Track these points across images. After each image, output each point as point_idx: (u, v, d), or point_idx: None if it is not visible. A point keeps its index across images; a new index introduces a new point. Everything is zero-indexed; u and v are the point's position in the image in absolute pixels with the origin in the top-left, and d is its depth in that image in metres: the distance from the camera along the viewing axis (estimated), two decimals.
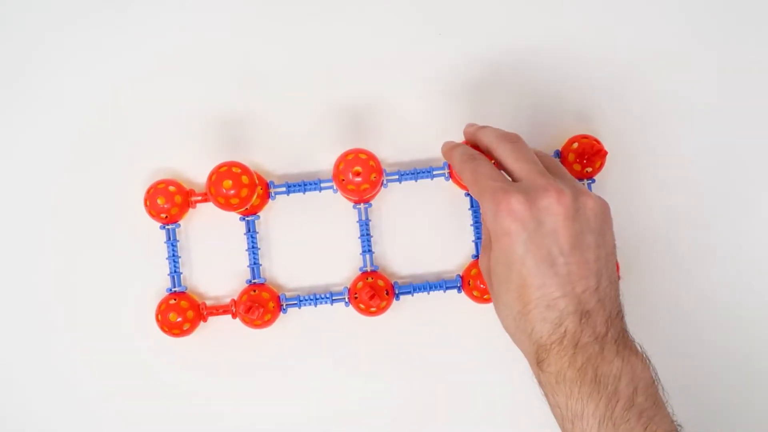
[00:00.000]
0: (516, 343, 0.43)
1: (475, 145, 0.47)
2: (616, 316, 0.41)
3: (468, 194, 0.53)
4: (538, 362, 0.41)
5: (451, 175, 0.52)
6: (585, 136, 0.52)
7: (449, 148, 0.47)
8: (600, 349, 0.40)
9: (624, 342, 0.40)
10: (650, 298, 0.53)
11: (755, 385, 0.53)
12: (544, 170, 0.42)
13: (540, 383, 0.42)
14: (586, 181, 0.52)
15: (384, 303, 0.51)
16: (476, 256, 0.53)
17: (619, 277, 0.42)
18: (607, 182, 0.53)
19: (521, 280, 0.41)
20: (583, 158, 0.51)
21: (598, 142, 0.51)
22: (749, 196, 0.53)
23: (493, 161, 0.45)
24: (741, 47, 0.54)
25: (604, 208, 0.42)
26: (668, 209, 0.53)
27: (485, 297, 0.51)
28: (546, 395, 0.42)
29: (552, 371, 0.40)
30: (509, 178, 0.43)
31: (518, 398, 0.53)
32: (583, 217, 0.41)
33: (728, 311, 0.53)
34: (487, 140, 0.46)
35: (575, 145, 0.51)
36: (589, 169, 0.51)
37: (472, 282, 0.51)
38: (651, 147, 0.53)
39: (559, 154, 0.52)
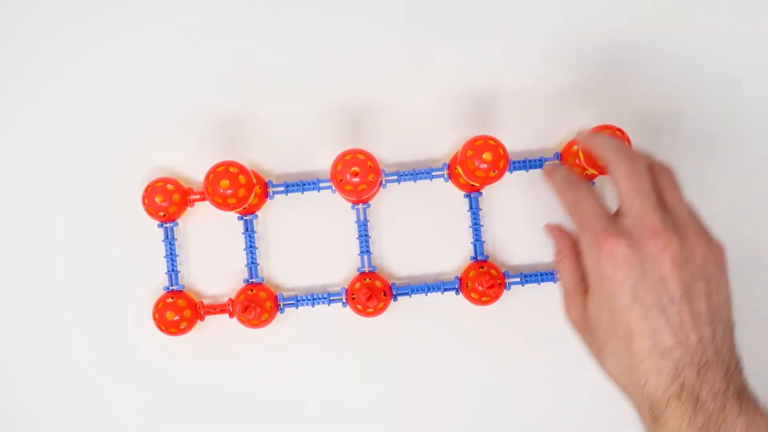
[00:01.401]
0: (626, 394, 0.40)
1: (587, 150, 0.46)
2: (735, 369, 0.38)
3: (467, 195, 0.53)
4: (653, 419, 0.38)
5: (450, 176, 0.52)
6: None
7: (550, 170, 0.45)
8: (721, 406, 0.37)
9: (746, 399, 0.38)
10: None
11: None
12: (656, 205, 0.40)
13: None
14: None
15: (381, 304, 0.51)
16: (474, 258, 0.52)
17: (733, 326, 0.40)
18: (607, 183, 0.53)
19: (629, 329, 0.38)
20: (585, 159, 0.51)
21: None
22: (758, 199, 0.53)
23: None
24: (745, 47, 0.54)
25: (717, 254, 0.40)
26: None
27: (483, 299, 0.51)
28: None
29: (670, 430, 0.37)
30: (612, 211, 0.41)
31: (515, 400, 0.53)
32: (692, 264, 0.39)
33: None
34: (601, 152, 0.43)
35: (575, 147, 0.51)
36: (593, 171, 0.51)
37: (470, 284, 0.51)
38: (652, 147, 0.53)
39: (559, 156, 0.52)
